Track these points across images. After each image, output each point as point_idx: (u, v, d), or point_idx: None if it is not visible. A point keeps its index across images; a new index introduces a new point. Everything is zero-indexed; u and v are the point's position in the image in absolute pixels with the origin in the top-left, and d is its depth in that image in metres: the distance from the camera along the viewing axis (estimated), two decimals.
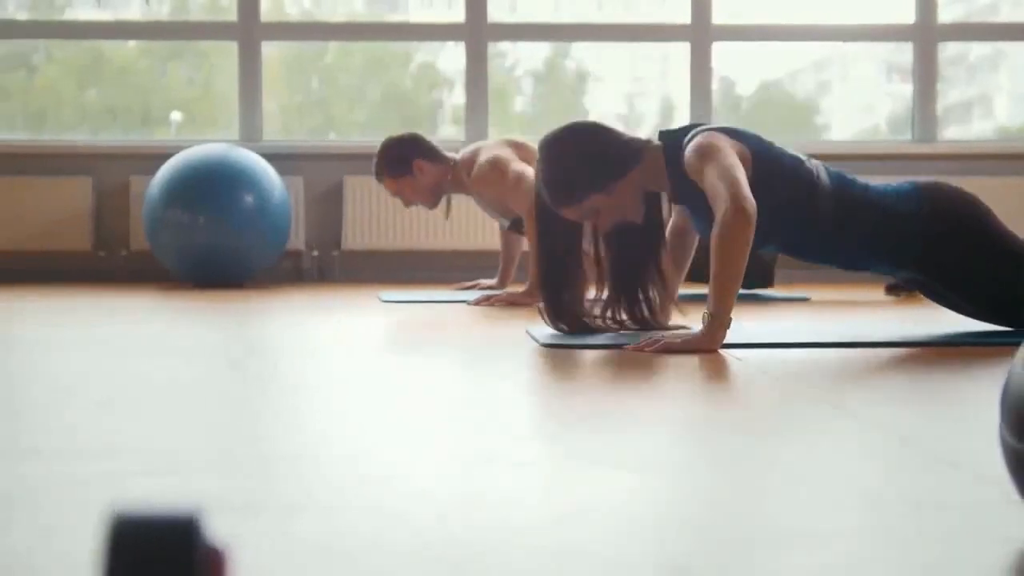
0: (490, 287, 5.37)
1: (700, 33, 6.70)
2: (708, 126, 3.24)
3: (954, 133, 8.52)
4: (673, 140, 3.24)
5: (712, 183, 3.04)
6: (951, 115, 9.50)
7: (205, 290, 5.56)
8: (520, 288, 4.86)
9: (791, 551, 1.24)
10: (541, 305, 3.37)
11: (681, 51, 6.82)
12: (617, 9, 7.99)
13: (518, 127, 8.00)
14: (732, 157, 3.09)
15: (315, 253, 6.51)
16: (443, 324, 3.89)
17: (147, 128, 7.46)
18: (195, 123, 7.35)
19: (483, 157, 4.92)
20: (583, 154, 3.22)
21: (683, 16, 6.74)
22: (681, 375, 2.60)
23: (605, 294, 3.38)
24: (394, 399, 2.32)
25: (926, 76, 6.76)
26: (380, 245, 6.51)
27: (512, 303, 4.68)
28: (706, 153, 3.10)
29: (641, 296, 3.39)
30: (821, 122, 9.19)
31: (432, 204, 5.15)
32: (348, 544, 1.25)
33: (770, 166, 3.18)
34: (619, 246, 3.34)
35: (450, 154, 5.11)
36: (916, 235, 3.20)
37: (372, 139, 7.12)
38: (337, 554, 1.21)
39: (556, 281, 3.32)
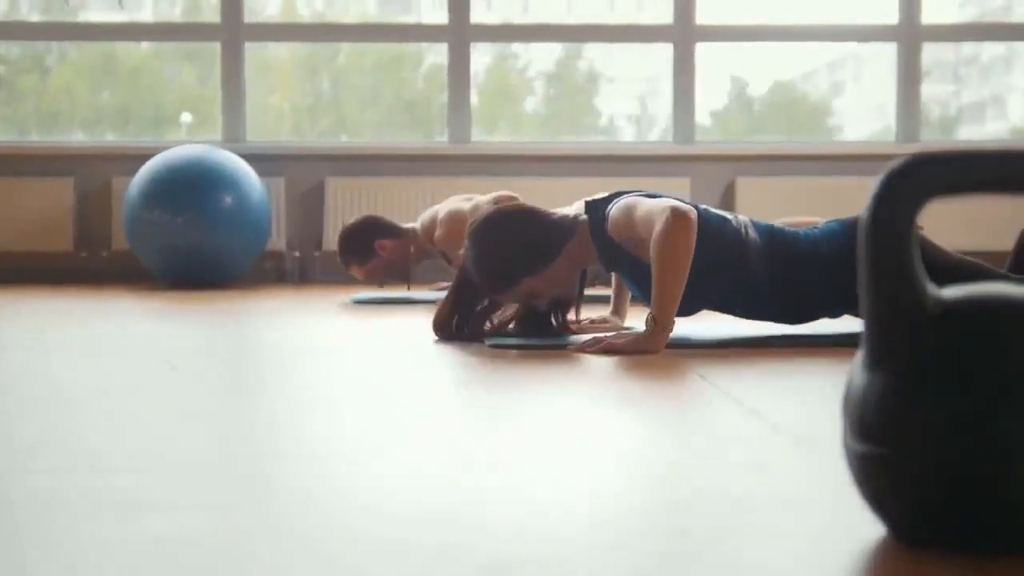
0: None
1: (682, 34, 6.70)
2: (630, 193, 3.22)
3: (968, 133, 8.50)
4: (596, 211, 3.22)
5: (644, 218, 3.04)
6: (965, 115, 9.48)
7: (184, 291, 5.58)
8: None
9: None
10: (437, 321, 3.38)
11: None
12: (602, 9, 7.99)
13: (530, 128, 8.01)
14: (650, 207, 3.07)
15: (296, 254, 6.52)
16: (402, 325, 3.90)
17: (158, 129, 7.49)
18: (206, 124, 7.36)
19: (442, 215, 4.95)
20: (515, 240, 3.22)
21: (665, 16, 6.74)
22: (618, 375, 2.61)
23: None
24: (312, 401, 2.33)
25: (909, 77, 6.75)
26: None
27: None
28: (630, 207, 3.10)
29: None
30: (834, 123, 9.16)
31: (403, 278, 5.18)
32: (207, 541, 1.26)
33: (698, 228, 3.13)
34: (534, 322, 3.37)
35: (409, 225, 5.15)
36: (852, 271, 3.04)
37: (357, 141, 7.18)
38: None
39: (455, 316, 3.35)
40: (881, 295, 1.22)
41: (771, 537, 1.30)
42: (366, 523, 1.36)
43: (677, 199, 3.13)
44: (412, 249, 5.08)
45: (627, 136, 7.85)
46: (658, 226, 2.98)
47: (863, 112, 8.94)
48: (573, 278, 3.30)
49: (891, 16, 6.73)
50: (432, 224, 5.02)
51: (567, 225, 3.25)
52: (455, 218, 4.86)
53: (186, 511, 1.41)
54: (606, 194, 3.27)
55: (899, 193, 1.21)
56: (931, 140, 7.02)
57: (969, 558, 1.20)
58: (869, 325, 1.24)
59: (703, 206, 3.21)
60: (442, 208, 5.03)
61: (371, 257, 5.07)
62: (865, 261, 1.22)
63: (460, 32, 6.68)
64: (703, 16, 6.69)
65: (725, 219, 3.19)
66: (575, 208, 3.40)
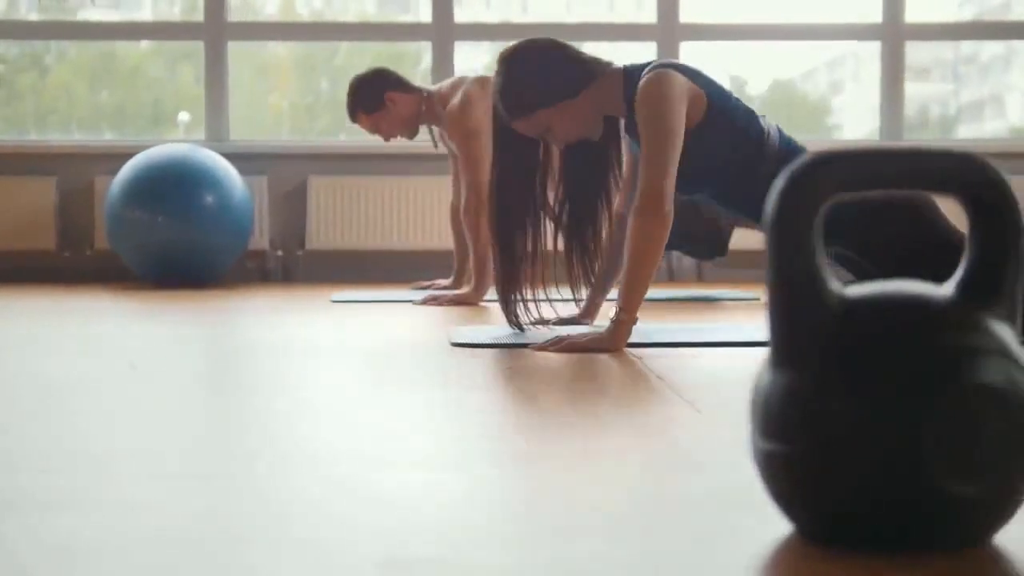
0: (445, 287, 5.38)
1: (667, 32, 6.70)
2: (670, 62, 3.22)
3: (967, 132, 8.50)
4: (635, 70, 3.22)
5: (647, 143, 3.02)
6: (964, 114, 9.48)
7: (167, 290, 5.58)
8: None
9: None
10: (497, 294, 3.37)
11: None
12: (602, 9, 7.99)
13: None
14: (677, 113, 3.05)
15: (279, 253, 6.52)
16: (378, 325, 3.90)
17: (156, 128, 7.49)
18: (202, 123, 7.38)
19: (458, 96, 4.92)
20: (539, 68, 3.23)
21: (649, 15, 6.74)
22: (579, 374, 2.61)
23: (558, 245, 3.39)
24: (269, 401, 2.33)
25: (893, 76, 6.75)
26: (344, 245, 6.52)
27: (458, 302, 4.69)
28: (654, 98, 3.06)
29: (591, 236, 3.39)
30: (833, 122, 9.16)
31: (411, 134, 5.15)
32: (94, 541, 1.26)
33: (722, 114, 3.14)
34: (574, 170, 3.34)
35: (424, 86, 5.13)
36: (852, 207, 3.04)
37: (340, 140, 7.18)
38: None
39: (508, 230, 3.33)
40: (784, 293, 1.22)
41: (672, 535, 1.31)
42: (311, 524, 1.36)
43: (713, 91, 3.13)
44: (423, 108, 5.06)
45: None
46: (634, 215, 2.99)
47: (863, 110, 8.94)
48: (594, 121, 3.27)
49: (875, 15, 6.73)
50: (448, 91, 5.00)
51: (594, 69, 3.25)
52: (468, 101, 4.83)
53: (96, 510, 1.42)
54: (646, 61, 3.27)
55: (802, 191, 1.22)
56: (915, 139, 7.02)
57: (874, 556, 1.20)
58: (773, 323, 1.24)
59: (736, 98, 3.22)
60: (465, 83, 4.99)
61: (379, 108, 5.05)
62: (769, 260, 1.23)
63: (444, 31, 6.68)
64: (687, 15, 6.69)
65: (754, 116, 3.20)
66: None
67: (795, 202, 1.21)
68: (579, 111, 3.23)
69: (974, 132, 8.68)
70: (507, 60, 3.27)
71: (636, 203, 3.02)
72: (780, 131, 3.23)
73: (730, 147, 3.14)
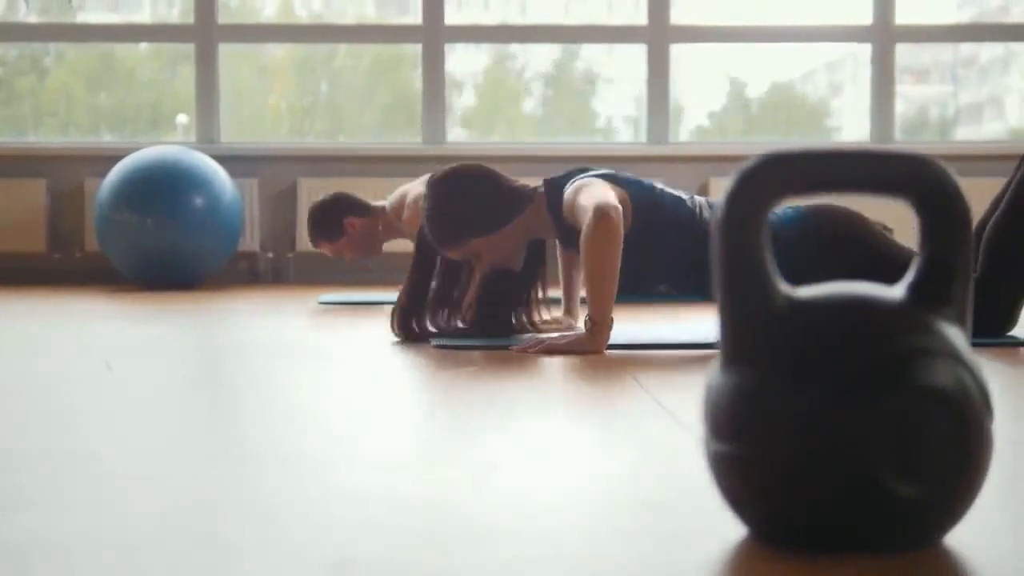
0: None
1: (657, 34, 6.70)
2: (589, 173, 3.24)
3: (965, 134, 8.50)
4: (556, 186, 3.25)
5: (581, 207, 3.05)
6: (963, 116, 9.47)
7: (156, 292, 5.57)
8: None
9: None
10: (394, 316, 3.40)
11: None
12: (589, 9, 7.99)
13: (528, 129, 8.00)
14: (606, 190, 3.09)
15: (270, 255, 6.52)
16: (361, 327, 3.90)
17: (154, 131, 7.49)
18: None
19: (410, 198, 4.95)
20: (470, 199, 3.25)
21: (640, 17, 6.74)
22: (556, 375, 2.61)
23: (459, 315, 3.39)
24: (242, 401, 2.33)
25: (883, 78, 6.75)
26: None
27: None
28: (579, 188, 3.13)
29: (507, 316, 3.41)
30: (832, 124, 9.14)
31: (374, 253, 5.17)
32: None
33: (651, 209, 3.17)
34: (492, 290, 3.34)
35: (378, 202, 5.14)
36: (802, 258, 3.06)
37: (330, 142, 7.17)
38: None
39: (415, 305, 3.36)
40: (733, 293, 1.23)
41: (631, 538, 1.31)
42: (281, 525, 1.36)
43: (636, 189, 3.15)
44: (380, 227, 5.07)
45: (623, 137, 7.83)
46: (584, 228, 2.99)
47: (862, 113, 8.93)
48: (520, 248, 3.32)
49: (865, 17, 6.73)
50: (401, 203, 5.01)
51: (524, 194, 3.30)
52: (421, 203, 4.84)
53: (55, 510, 1.42)
54: (565, 171, 3.29)
55: (751, 192, 1.22)
56: (905, 140, 7.02)
57: (823, 557, 1.20)
58: (722, 323, 1.24)
59: (660, 187, 3.24)
60: (411, 189, 5.01)
61: (340, 235, 5.06)
62: (718, 259, 1.23)
63: (434, 33, 6.68)
64: (678, 17, 6.70)
65: (680, 200, 3.23)
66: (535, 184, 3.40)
67: (743, 202, 1.21)
68: (509, 239, 3.27)
69: (973, 134, 8.67)
70: (437, 188, 3.29)
71: (587, 222, 2.99)
72: (711, 205, 3.26)
73: (669, 237, 3.18)
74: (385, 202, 5.13)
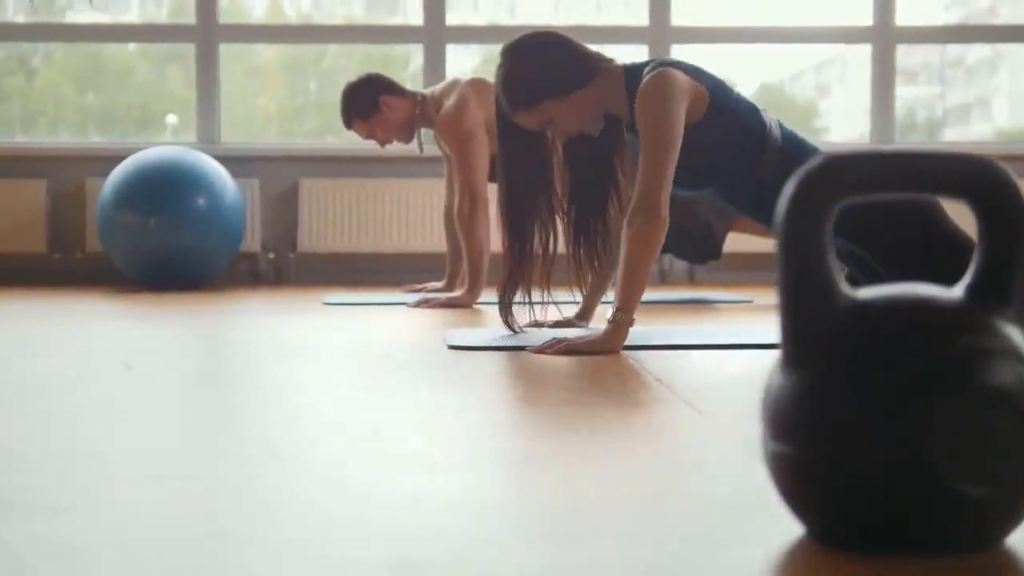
0: (438, 290, 5.37)
1: (658, 35, 6.70)
2: (670, 60, 3.22)
3: (953, 135, 8.51)
4: (635, 69, 3.23)
5: (646, 146, 3.03)
6: (950, 117, 9.49)
7: (158, 293, 5.56)
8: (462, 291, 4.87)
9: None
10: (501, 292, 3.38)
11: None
12: (579, 10, 7.99)
13: None
14: (678, 116, 3.06)
15: (271, 256, 6.51)
16: (372, 328, 3.89)
17: (144, 131, 7.47)
18: (192, 125, 7.37)
19: (453, 99, 4.92)
20: (543, 61, 3.24)
21: (640, 17, 6.74)
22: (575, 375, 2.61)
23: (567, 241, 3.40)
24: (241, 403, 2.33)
25: (884, 79, 6.77)
26: (336, 248, 6.51)
27: (450, 305, 4.69)
28: (656, 100, 3.07)
29: (599, 232, 3.40)
30: (821, 125, 9.16)
31: (407, 139, 5.15)
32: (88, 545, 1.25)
33: (724, 110, 3.14)
34: (578, 167, 3.34)
35: (417, 90, 5.13)
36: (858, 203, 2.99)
37: (332, 142, 7.17)
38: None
39: (518, 219, 3.32)
40: (795, 295, 1.22)
41: (680, 537, 1.30)
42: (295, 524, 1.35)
43: (715, 88, 3.14)
44: (418, 112, 5.06)
45: None
46: (631, 226, 3.00)
47: (850, 113, 8.94)
48: (595, 116, 3.27)
49: (866, 18, 6.74)
50: (445, 95, 4.99)
51: (596, 64, 3.26)
52: (463, 104, 4.83)
53: (94, 511, 1.41)
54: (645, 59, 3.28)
55: (813, 194, 1.22)
56: (905, 141, 7.03)
57: (885, 559, 1.20)
58: (784, 325, 1.24)
59: (737, 93, 3.22)
60: (459, 86, 4.98)
61: (374, 113, 5.04)
62: (780, 261, 1.22)
63: (435, 33, 6.68)
64: (679, 17, 6.70)
65: (756, 111, 3.20)
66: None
67: (806, 204, 1.21)
68: (582, 104, 3.24)
69: (960, 135, 8.70)
70: (511, 52, 3.28)
71: (633, 205, 3.03)
72: (782, 125, 3.23)
73: (732, 142, 3.15)
74: (425, 91, 5.11)
